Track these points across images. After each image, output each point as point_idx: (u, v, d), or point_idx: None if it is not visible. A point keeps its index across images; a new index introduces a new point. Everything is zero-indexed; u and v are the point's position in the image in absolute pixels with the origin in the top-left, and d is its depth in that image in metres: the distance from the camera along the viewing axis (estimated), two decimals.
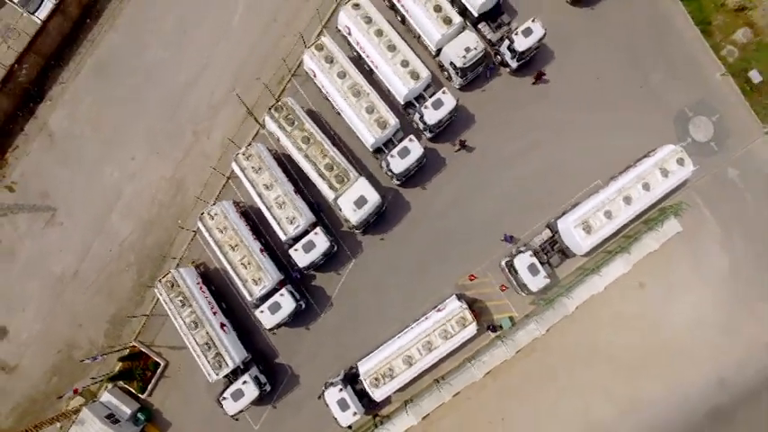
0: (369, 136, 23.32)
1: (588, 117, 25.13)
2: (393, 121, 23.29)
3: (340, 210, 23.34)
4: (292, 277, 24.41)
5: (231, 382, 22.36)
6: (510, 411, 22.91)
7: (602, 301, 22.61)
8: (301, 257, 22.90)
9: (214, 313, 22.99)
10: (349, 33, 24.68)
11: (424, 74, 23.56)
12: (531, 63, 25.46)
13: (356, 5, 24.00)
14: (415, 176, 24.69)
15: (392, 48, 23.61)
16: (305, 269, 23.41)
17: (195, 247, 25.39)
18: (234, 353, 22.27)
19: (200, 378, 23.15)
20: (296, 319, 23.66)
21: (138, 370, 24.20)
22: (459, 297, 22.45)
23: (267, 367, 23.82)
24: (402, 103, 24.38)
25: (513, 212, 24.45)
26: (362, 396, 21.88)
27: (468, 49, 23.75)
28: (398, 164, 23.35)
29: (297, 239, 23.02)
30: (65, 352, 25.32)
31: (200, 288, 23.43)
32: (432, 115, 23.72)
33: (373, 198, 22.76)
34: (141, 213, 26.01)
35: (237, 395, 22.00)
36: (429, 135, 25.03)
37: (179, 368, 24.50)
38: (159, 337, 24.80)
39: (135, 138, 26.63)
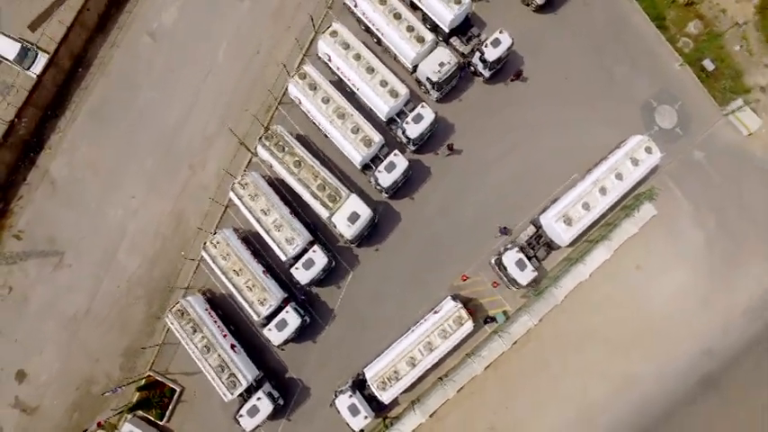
0: (356, 154, 25.82)
1: (560, 115, 27.83)
2: (377, 138, 25.80)
3: (335, 226, 25.71)
4: (296, 294, 26.63)
5: (246, 400, 24.38)
6: (512, 400, 25.11)
7: (588, 288, 24.97)
8: (302, 275, 25.16)
9: (224, 336, 25.16)
10: (329, 60, 27.41)
11: (403, 91, 26.15)
12: (503, 71, 28.25)
13: (334, 33, 26.69)
14: (402, 188, 27.18)
15: (371, 70, 26.24)
16: (307, 285, 25.72)
17: (200, 275, 27.69)
18: (246, 372, 24.38)
19: (215, 399, 25.28)
20: (302, 333, 25.87)
21: (155, 398, 26.23)
22: (454, 297, 24.75)
23: (279, 382, 25.93)
24: (384, 120, 26.97)
25: (498, 213, 26.90)
26: (371, 400, 24.01)
27: (442, 64, 26.39)
28: (386, 178, 25.80)
29: (297, 258, 25.28)
30: (83, 388, 27.34)
31: (209, 313, 25.64)
32: (413, 129, 26.30)
33: (365, 213, 25.12)
34: (146, 248, 28.33)
35: (253, 411, 24.00)
36: (413, 148, 27.60)
37: (194, 392, 26.56)
38: (173, 365, 26.90)
39: (134, 176, 29.06)
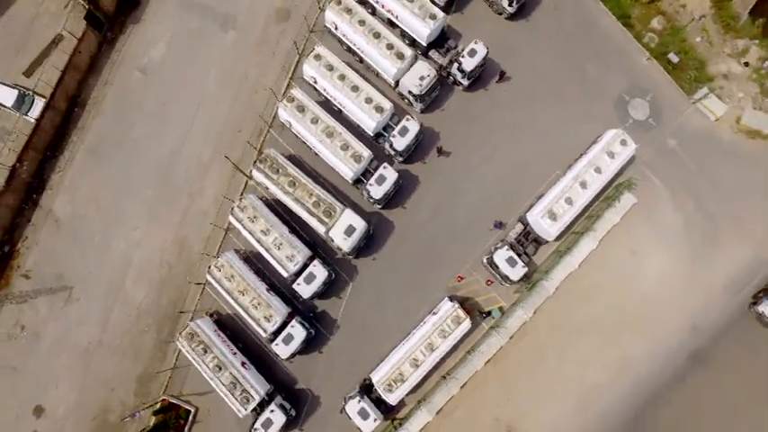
0: (347, 170, 28.05)
1: (539, 116, 30.30)
2: (366, 153, 28.03)
3: (332, 240, 27.86)
4: (300, 308, 28.65)
5: (259, 414, 26.24)
6: (513, 392, 27.14)
7: (578, 278, 27.27)
8: (305, 289, 27.26)
9: (234, 354, 27.14)
10: (315, 82, 29.84)
11: (388, 106, 28.49)
12: (481, 78, 30.72)
13: (318, 56, 29.11)
14: (394, 198, 29.42)
15: (355, 88, 28.60)
16: (309, 299, 27.77)
17: (206, 297, 29.75)
18: (258, 386, 26.31)
19: (228, 416, 27.18)
20: (308, 345, 27.89)
21: (171, 420, 28.05)
22: (451, 298, 26.90)
23: (290, 394, 27.86)
24: (372, 135, 29.28)
25: (487, 214, 29.15)
26: (379, 403, 26.06)
27: (422, 78, 28.83)
28: (377, 190, 28.04)
29: (298, 274, 27.37)
30: (100, 417, 29.15)
31: (218, 334, 27.66)
32: (400, 142, 28.65)
33: (360, 225, 27.30)
34: (152, 276, 30.39)
35: (267, 424, 25.90)
36: (400, 159, 29.90)
37: (208, 411, 28.41)
38: (186, 386, 28.80)
39: (135, 208, 31.25)
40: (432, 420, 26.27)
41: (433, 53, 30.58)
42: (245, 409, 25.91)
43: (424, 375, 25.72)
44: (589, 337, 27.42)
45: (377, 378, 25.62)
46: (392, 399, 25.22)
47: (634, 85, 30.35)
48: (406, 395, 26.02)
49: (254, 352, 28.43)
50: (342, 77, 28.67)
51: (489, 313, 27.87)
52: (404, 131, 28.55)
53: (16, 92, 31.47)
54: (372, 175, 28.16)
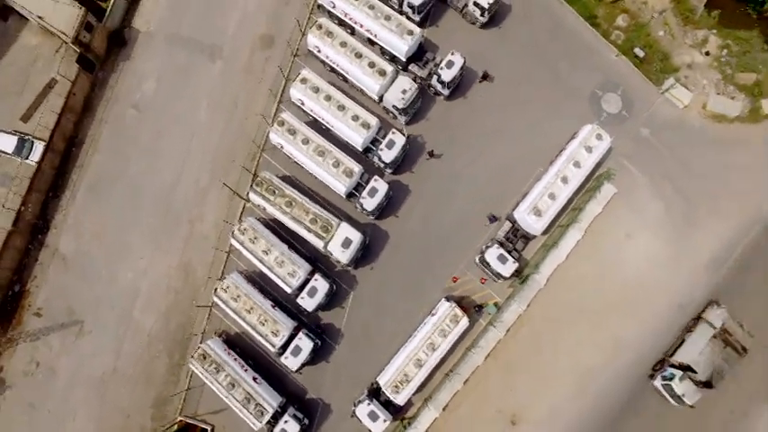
0: (340, 186, 30.60)
1: (519, 117, 33.13)
2: (357, 168, 30.62)
3: (331, 254, 30.34)
4: (305, 321, 30.96)
5: (274, 426, 28.41)
6: (514, 383, 29.52)
7: (567, 268, 29.77)
8: (308, 302, 29.66)
9: (245, 371, 29.40)
10: (302, 104, 32.57)
11: (374, 122, 31.16)
12: (460, 87, 33.53)
13: (304, 80, 31.82)
14: (386, 209, 32.01)
15: (342, 107, 31.25)
16: (313, 311, 30.07)
17: (214, 319, 32.15)
18: (271, 400, 28.55)
19: (244, 430, 29.08)
20: (316, 356, 30.23)
21: None
22: (448, 298, 29.41)
23: (301, 404, 30.15)
24: (361, 150, 31.92)
25: (476, 215, 31.81)
26: (388, 405, 28.36)
27: (404, 91, 31.53)
28: (370, 203, 30.59)
29: (301, 289, 29.78)
30: None
31: (228, 352, 29.93)
32: (388, 155, 31.28)
33: (356, 237, 29.78)
34: (160, 303, 32.80)
35: None
36: (390, 171, 32.57)
37: (224, 427, 30.62)
38: (201, 406, 31.06)
39: (138, 239, 33.76)
40: (439, 416, 28.54)
41: (412, 67, 33.42)
42: (260, 422, 28.08)
43: (428, 374, 28.07)
44: (582, 323, 29.90)
45: (383, 381, 27.95)
46: (400, 399, 27.56)
47: (605, 81, 33.29)
48: (413, 395, 28.35)
49: (265, 367, 30.71)
50: (328, 98, 31.43)
51: (482, 307, 30.41)
52: (391, 144, 31.26)
53: (16, 138, 34.09)
54: (364, 188, 30.72)
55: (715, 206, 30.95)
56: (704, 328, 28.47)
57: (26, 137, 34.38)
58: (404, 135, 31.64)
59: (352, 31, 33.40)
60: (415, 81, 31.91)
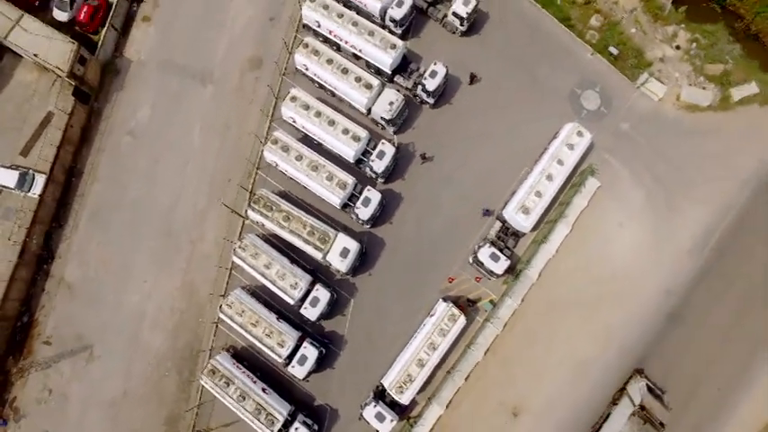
0: (335, 198, 32.78)
1: (502, 120, 35.54)
2: (350, 180, 32.78)
3: (330, 264, 32.37)
4: (309, 331, 32.89)
5: None
6: (514, 376, 31.53)
7: (557, 262, 31.99)
8: (311, 312, 31.67)
9: (254, 382, 31.33)
10: (294, 121, 34.89)
11: (363, 134, 33.41)
12: (445, 95, 35.90)
13: (293, 98, 34.19)
14: (380, 217, 34.23)
15: (332, 122, 33.56)
16: (317, 320, 32.06)
17: (220, 334, 34.15)
18: (281, 408, 30.41)
19: None
20: (321, 363, 32.17)
21: None
22: (445, 299, 31.47)
23: (310, 411, 32.07)
24: (352, 162, 34.17)
25: (466, 216, 34.03)
26: (393, 405, 30.28)
27: (391, 103, 33.86)
28: (364, 212, 32.73)
29: (303, 299, 31.78)
30: None
31: (237, 366, 31.86)
32: (379, 165, 33.52)
33: (353, 246, 31.86)
34: (166, 323, 34.77)
35: None
36: (382, 180, 34.78)
37: None
38: (213, 420, 32.86)
39: (142, 263, 35.80)
40: (443, 413, 30.49)
41: (398, 78, 35.77)
42: (271, 431, 29.87)
43: (430, 373, 30.06)
44: (575, 314, 32.03)
45: (388, 382, 29.92)
46: (404, 399, 29.51)
47: (583, 80, 35.84)
48: (417, 394, 30.30)
49: (273, 377, 32.66)
50: (318, 114, 33.73)
51: (474, 302, 32.59)
52: (381, 155, 33.54)
53: (17, 173, 36.12)
54: (358, 198, 32.84)
55: (693, 192, 33.32)
56: (625, 404, 30.25)
57: (27, 171, 36.43)
58: (394, 145, 34.01)
59: (338, 48, 35.92)
60: (400, 92, 34.31)
